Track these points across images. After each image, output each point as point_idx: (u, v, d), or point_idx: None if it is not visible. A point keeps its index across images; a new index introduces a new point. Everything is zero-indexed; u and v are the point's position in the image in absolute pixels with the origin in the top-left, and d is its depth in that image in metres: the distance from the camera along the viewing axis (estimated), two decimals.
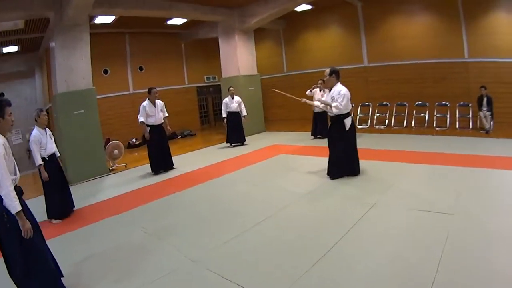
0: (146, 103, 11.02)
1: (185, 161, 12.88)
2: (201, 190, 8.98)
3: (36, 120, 7.57)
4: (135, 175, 11.52)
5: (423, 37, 15.73)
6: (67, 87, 11.54)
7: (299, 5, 16.06)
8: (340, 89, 8.27)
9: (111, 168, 12.69)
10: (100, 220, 7.53)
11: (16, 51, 16.43)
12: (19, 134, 16.35)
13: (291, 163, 10.67)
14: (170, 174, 11.08)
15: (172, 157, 11.94)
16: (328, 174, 8.75)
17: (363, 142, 11.61)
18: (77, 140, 11.56)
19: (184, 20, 17.86)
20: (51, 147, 7.80)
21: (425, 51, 15.63)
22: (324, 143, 12.45)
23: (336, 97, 8.23)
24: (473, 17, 14.39)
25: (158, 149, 11.29)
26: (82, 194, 9.77)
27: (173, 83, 21.44)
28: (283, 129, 18.21)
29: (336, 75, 8.45)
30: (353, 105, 9.87)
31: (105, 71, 18.36)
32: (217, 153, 13.95)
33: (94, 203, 8.95)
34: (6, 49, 15.87)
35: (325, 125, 13.46)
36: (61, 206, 7.96)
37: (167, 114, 11.59)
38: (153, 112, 11.04)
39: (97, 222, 7.47)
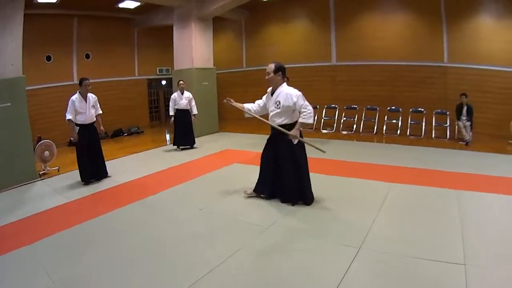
0: (75, 97, 9.36)
1: (124, 166, 11.48)
2: (131, 213, 7.34)
3: None
4: (64, 183, 9.97)
5: (400, 37, 14.78)
6: None
7: None
8: (290, 91, 6.71)
9: (41, 173, 11.12)
10: (4, 254, 5.90)
11: None
12: None
13: (245, 178, 8.91)
14: (101, 185, 9.48)
15: (110, 160, 10.81)
16: (257, 190, 7.55)
17: (327, 150, 10.30)
18: (0, 139, 9.89)
19: (137, 4, 16.58)
20: None
21: (401, 52, 14.65)
22: None
23: (293, 102, 6.63)
24: (455, 20, 13.62)
25: (88, 154, 9.65)
26: None
27: (122, 74, 19.94)
28: (239, 130, 16.87)
29: (283, 72, 6.92)
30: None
31: (48, 58, 16.77)
32: (162, 157, 12.64)
33: (5, 225, 7.32)
34: None
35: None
36: None
37: (100, 111, 10.03)
38: (84, 109, 9.41)
39: (2, 255, 5.87)
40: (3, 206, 8.47)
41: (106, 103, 16.13)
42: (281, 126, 6.82)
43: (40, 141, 11.67)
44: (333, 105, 15.95)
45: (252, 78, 19.23)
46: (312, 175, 7.35)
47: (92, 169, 9.77)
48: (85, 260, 5.45)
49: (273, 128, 7.04)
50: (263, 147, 7.43)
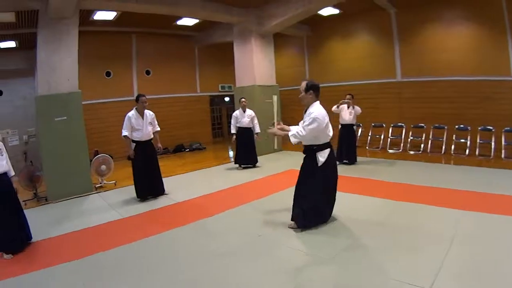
0: (132, 113, 9.13)
1: (183, 183, 11.05)
2: (183, 235, 6.81)
3: None
4: (119, 198, 9.73)
5: (465, 50, 13.71)
6: (48, 89, 10.03)
7: (324, 7, 14.21)
8: (313, 111, 6.26)
9: (98, 186, 11.00)
10: (48, 267, 5.69)
11: (14, 47, 15.15)
12: (16, 135, 14.95)
13: None
14: (157, 203, 9.09)
15: (169, 177, 10.47)
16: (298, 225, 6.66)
17: (394, 172, 10.14)
18: (58, 151, 10.03)
19: (196, 21, 16.28)
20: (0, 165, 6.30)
21: (467, 66, 13.60)
22: (353, 172, 10.47)
23: (306, 121, 6.29)
24: None
25: (145, 171, 9.34)
26: (50, 219, 8.37)
27: (183, 90, 19.85)
28: (301, 149, 15.76)
29: (315, 91, 6.42)
30: (329, 135, 6.63)
31: (108, 74, 16.93)
32: (223, 175, 12.07)
33: (55, 236, 7.18)
34: (2, 44, 14.67)
35: (353, 147, 11.89)
36: (12, 238, 6.33)
37: (158, 128, 9.72)
38: (140, 125, 9.18)
39: (44, 269, 5.66)
40: (55, 217, 8.44)
41: (167, 119, 16.12)
42: (307, 147, 6.63)
43: (97, 154, 11.61)
44: (400, 124, 15.11)
45: None
46: (375, 200, 7.38)
47: (149, 186, 9.45)
48: (129, 284, 5.06)
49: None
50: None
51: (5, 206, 6.30)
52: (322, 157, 6.38)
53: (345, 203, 7.44)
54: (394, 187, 8.96)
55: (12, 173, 6.74)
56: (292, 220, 6.70)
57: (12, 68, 15.46)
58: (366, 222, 6.65)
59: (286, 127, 6.89)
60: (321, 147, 6.40)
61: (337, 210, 6.92)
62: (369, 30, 16.67)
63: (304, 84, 6.44)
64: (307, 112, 6.37)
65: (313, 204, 6.48)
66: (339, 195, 6.94)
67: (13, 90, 15.76)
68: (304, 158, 6.71)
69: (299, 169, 6.82)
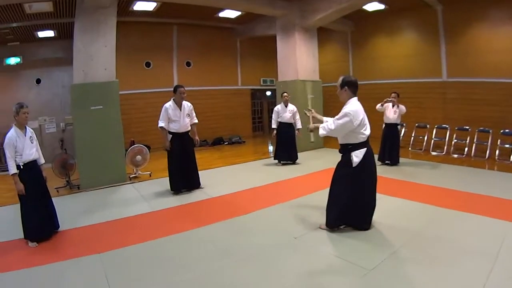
0: (169, 104, 8.90)
1: (219, 178, 10.75)
2: (215, 234, 6.41)
3: (15, 118, 6.06)
4: (153, 190, 9.55)
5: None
6: (84, 78, 9.92)
7: (369, 2, 13.68)
8: (346, 106, 5.92)
9: (132, 176, 10.94)
10: (70, 259, 5.53)
11: (53, 37, 15.45)
12: (53, 123, 15.15)
13: None
14: (191, 197, 8.81)
15: (206, 170, 10.40)
16: (327, 224, 6.35)
17: (436, 176, 9.67)
18: (93, 140, 9.98)
19: (238, 13, 16.12)
20: (30, 153, 6.19)
21: None
22: (394, 173, 10.10)
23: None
24: None
25: (181, 164, 9.06)
26: (80, 208, 8.27)
27: (224, 83, 19.70)
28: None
29: (351, 88, 6.03)
30: (364, 133, 6.02)
31: (147, 64, 16.98)
32: (261, 171, 11.72)
33: (83, 226, 7.03)
34: (41, 34, 14.93)
35: (396, 147, 11.40)
36: (39, 226, 6.26)
37: (196, 121, 9.43)
38: (178, 117, 8.90)
39: (66, 260, 5.50)
40: (85, 206, 8.38)
41: (206, 111, 16.04)
42: (342, 145, 6.21)
43: (133, 144, 11.52)
44: (444, 125, 14.45)
45: (359, 92, 17.49)
46: (416, 205, 7.02)
47: (184, 179, 9.20)
48: (154, 281, 4.82)
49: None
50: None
51: (34, 193, 6.20)
52: (357, 157, 5.94)
53: (384, 206, 7.00)
54: (436, 191, 8.44)
55: (42, 161, 6.64)
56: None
57: (51, 56, 15.71)
58: (405, 229, 6.16)
59: (318, 116, 6.73)
60: (357, 146, 5.97)
61: (375, 214, 6.44)
62: (414, 27, 16.17)
63: (340, 79, 6.14)
64: (343, 108, 5.98)
65: (342, 206, 6.12)
66: (379, 197, 6.46)
67: (52, 79, 15.99)
68: (341, 157, 6.30)
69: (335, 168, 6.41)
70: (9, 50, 15.37)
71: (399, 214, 6.98)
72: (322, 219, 6.45)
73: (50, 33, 15.00)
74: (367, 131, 5.97)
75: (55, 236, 6.49)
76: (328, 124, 5.98)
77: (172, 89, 9.13)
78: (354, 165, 5.93)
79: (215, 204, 8.28)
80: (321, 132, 6.09)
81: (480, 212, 6.85)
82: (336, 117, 5.86)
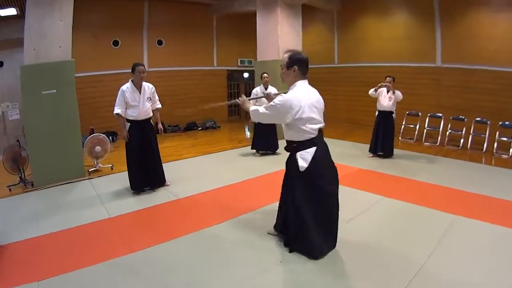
0: (127, 86, 7.57)
1: (189, 171, 9.63)
2: (176, 252, 5.14)
3: None
4: (113, 188, 8.35)
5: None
6: (36, 58, 8.57)
7: None
8: (288, 92, 4.74)
9: (92, 169, 9.74)
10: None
11: (16, 15, 14.14)
12: (17, 109, 13.86)
13: (345, 208, 5.77)
14: (153, 198, 7.56)
15: (175, 161, 9.75)
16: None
17: (434, 172, 8.85)
18: (45, 130, 8.70)
19: None
20: None
21: None
22: (389, 167, 9.09)
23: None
24: None
25: (142, 158, 7.79)
26: (27, 212, 7.08)
27: (199, 63, 18.57)
28: (328, 134, 14.01)
29: (301, 67, 4.75)
30: (320, 125, 4.84)
31: (115, 43, 15.82)
32: (236, 163, 10.59)
33: (26, 240, 5.80)
34: (2, 12, 13.78)
35: (391, 137, 10.41)
36: None
37: (159, 105, 8.12)
38: (137, 101, 7.55)
39: None
40: (35, 210, 7.23)
41: (179, 93, 15.45)
42: (287, 143, 4.92)
43: (93, 133, 10.49)
44: (438, 114, 13.57)
45: (345, 75, 17.16)
46: (420, 210, 6.15)
47: (145, 176, 7.94)
48: None
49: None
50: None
51: None
52: (303, 159, 4.66)
53: (380, 209, 6.29)
54: (444, 193, 7.33)
55: None
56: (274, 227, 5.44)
57: (13, 37, 14.26)
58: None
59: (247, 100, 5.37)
60: (303, 145, 4.71)
61: (369, 218, 5.63)
62: (406, 7, 15.06)
63: (286, 57, 4.81)
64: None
65: (296, 224, 4.89)
66: (371, 198, 6.04)
67: (15, 61, 14.49)
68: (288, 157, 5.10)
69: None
70: None
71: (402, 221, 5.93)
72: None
73: (12, 11, 13.87)
74: (316, 125, 4.69)
75: None
76: (260, 108, 4.86)
77: None
78: (301, 170, 4.68)
79: (181, 208, 7.06)
80: (253, 117, 4.98)
81: (487, 218, 5.94)
82: (271, 103, 4.74)
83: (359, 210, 6.36)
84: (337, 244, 4.94)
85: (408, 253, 4.77)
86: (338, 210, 4.93)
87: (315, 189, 4.71)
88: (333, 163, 4.92)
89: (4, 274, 4.73)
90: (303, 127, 4.58)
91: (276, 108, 4.58)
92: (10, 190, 8.49)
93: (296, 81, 4.75)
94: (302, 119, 4.54)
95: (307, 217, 4.71)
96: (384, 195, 7.01)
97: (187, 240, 5.51)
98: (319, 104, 4.76)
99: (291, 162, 4.84)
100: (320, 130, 4.73)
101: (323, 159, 4.74)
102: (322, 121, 4.77)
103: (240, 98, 5.33)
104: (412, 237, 5.26)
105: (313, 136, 4.65)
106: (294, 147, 4.76)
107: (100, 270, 4.70)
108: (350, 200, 6.66)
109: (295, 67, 4.69)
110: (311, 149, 4.65)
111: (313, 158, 4.62)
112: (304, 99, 4.56)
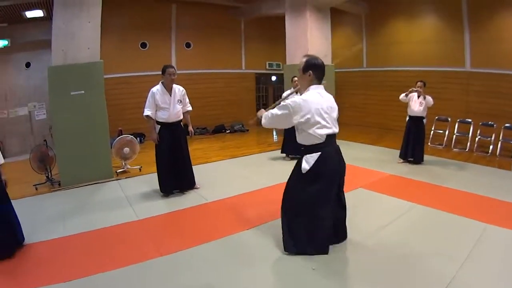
0: (157, 88, 7.49)
1: (218, 175, 9.53)
2: (205, 257, 5.06)
3: None
4: (141, 189, 8.34)
5: None
6: (64, 59, 8.66)
7: None
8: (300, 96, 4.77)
9: (120, 171, 9.76)
10: None
11: (43, 17, 14.34)
12: (43, 109, 14.10)
13: (376, 213, 6.38)
14: (183, 201, 7.47)
15: (203, 164, 10.01)
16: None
17: (465, 179, 8.59)
18: (72, 130, 8.78)
19: None
20: None
21: None
22: (419, 174, 8.85)
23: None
24: None
25: (172, 161, 7.72)
26: (55, 212, 7.07)
27: (227, 66, 18.51)
28: (359, 138, 14.35)
29: (317, 72, 4.88)
30: (329, 131, 4.82)
31: (143, 45, 15.88)
32: (266, 167, 10.44)
33: (53, 239, 5.80)
34: (30, 14, 13.90)
35: (421, 143, 10.20)
36: None
37: (189, 108, 8.05)
38: (167, 103, 7.49)
39: None
40: (60, 210, 7.23)
41: (207, 96, 15.60)
42: (299, 145, 5.03)
43: (121, 134, 10.55)
44: (467, 120, 13.15)
45: (374, 79, 16.99)
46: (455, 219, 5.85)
47: (175, 179, 7.87)
48: None
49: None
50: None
51: None
52: (306, 162, 4.79)
53: (410, 217, 6.15)
54: (478, 201, 7.06)
55: (1, 160, 5.43)
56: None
57: (41, 38, 14.65)
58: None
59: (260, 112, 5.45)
60: (309, 149, 4.82)
61: (399, 226, 5.49)
62: (435, 10, 14.80)
63: (303, 61, 4.94)
64: None
65: (288, 225, 5.03)
66: (401, 204, 5.97)
67: (42, 62, 14.74)
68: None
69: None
70: None
71: (433, 229, 5.75)
72: (351, 234, 5.33)
73: (39, 13, 13.96)
74: (323, 130, 4.72)
75: (19, 252, 5.33)
76: (269, 112, 4.95)
77: None
78: (303, 171, 4.82)
79: (210, 212, 6.95)
80: (263, 121, 5.06)
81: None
82: (282, 103, 4.81)
83: (389, 217, 6.19)
84: (367, 253, 4.89)
85: (439, 263, 4.64)
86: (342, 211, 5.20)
87: (315, 195, 4.82)
88: (342, 169, 5.06)
89: (30, 273, 4.74)
90: (310, 131, 4.67)
91: (287, 107, 4.64)
92: (36, 189, 8.54)
93: (310, 85, 4.87)
94: (309, 123, 4.64)
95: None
96: (415, 202, 6.84)
97: (215, 245, 5.40)
98: (330, 110, 4.82)
99: (297, 165, 5.01)
100: (329, 136, 4.76)
101: (328, 165, 4.80)
102: (334, 127, 4.82)
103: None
104: (443, 247, 5.09)
105: (320, 141, 4.72)
106: (302, 150, 4.89)
107: (128, 273, 4.66)
108: (381, 206, 6.70)
109: (310, 71, 4.82)
110: (315, 154, 4.74)
111: (316, 162, 4.72)
112: (314, 104, 4.64)
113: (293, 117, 4.64)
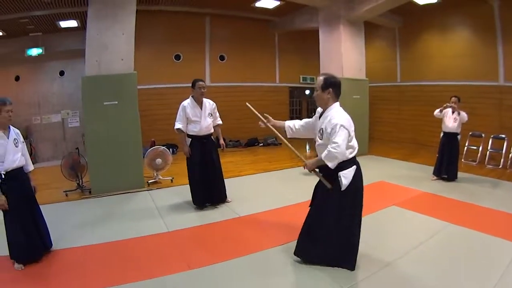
0: (188, 102, 7.58)
1: (250, 189, 9.46)
2: (233, 273, 4.97)
3: None
4: (172, 201, 8.34)
5: None
6: (98, 69, 8.90)
7: None
8: (336, 116, 4.69)
9: (151, 181, 9.82)
10: None
11: (76, 27, 14.80)
12: (77, 117, 14.90)
13: (409, 234, 6.15)
14: (215, 215, 7.41)
15: (235, 178, 9.89)
16: (295, 253, 5.19)
17: (494, 195, 8.32)
18: (105, 139, 8.99)
19: (276, 3, 14.91)
20: (14, 159, 5.04)
21: None
22: (453, 191, 8.60)
23: (328, 132, 4.65)
24: None
25: (203, 174, 7.67)
26: (85, 219, 7.21)
27: (261, 79, 18.54)
28: (391, 154, 14.19)
29: (336, 90, 4.89)
30: (354, 146, 4.94)
31: (177, 57, 16.06)
32: (299, 182, 10.20)
33: (81, 246, 5.85)
34: (64, 24, 14.31)
35: (455, 160, 9.95)
36: (26, 247, 5.17)
37: (220, 122, 8.07)
38: (198, 117, 7.54)
39: None
40: (91, 218, 7.37)
41: (241, 109, 15.29)
42: (324, 165, 4.69)
43: (154, 145, 10.73)
44: (501, 135, 12.81)
45: (408, 94, 16.74)
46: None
47: (207, 192, 7.82)
48: None
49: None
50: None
51: (19, 208, 5.10)
52: (345, 178, 4.66)
53: (443, 237, 5.97)
54: (502, 218, 6.94)
55: (30, 167, 5.50)
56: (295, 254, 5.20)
57: (74, 48, 14.94)
58: None
59: (278, 123, 6.02)
60: (346, 163, 4.70)
61: (432, 246, 5.39)
62: (468, 24, 14.59)
63: (321, 79, 4.92)
64: (325, 115, 4.89)
65: (323, 242, 4.93)
66: (435, 224, 5.91)
67: (76, 71, 15.36)
68: (319, 181, 5.08)
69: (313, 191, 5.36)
70: (31, 40, 14.79)
71: (466, 249, 5.55)
72: (382, 253, 5.25)
73: (73, 23, 14.38)
74: (356, 143, 4.90)
75: (47, 257, 5.41)
76: (332, 148, 4.53)
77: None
78: (343, 188, 4.67)
79: (241, 226, 6.86)
80: (332, 163, 4.59)
81: None
82: (334, 136, 4.56)
83: (422, 236, 6.02)
84: (398, 273, 4.82)
85: (471, 286, 4.49)
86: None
87: (353, 208, 4.85)
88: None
89: (57, 279, 4.80)
90: (349, 145, 4.72)
91: (343, 128, 4.55)
92: (66, 195, 8.68)
93: (331, 103, 4.89)
94: (353, 138, 4.80)
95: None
96: (448, 221, 6.65)
97: (246, 261, 5.32)
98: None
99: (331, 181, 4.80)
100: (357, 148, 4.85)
101: (360, 179, 4.89)
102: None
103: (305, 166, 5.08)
104: (475, 268, 4.93)
105: (353, 155, 4.82)
106: (336, 167, 4.65)
107: (156, 285, 4.63)
108: (413, 225, 6.58)
109: (330, 89, 4.83)
110: (351, 167, 4.75)
111: (354, 176, 4.73)
112: (350, 118, 4.77)
113: (350, 134, 4.67)
